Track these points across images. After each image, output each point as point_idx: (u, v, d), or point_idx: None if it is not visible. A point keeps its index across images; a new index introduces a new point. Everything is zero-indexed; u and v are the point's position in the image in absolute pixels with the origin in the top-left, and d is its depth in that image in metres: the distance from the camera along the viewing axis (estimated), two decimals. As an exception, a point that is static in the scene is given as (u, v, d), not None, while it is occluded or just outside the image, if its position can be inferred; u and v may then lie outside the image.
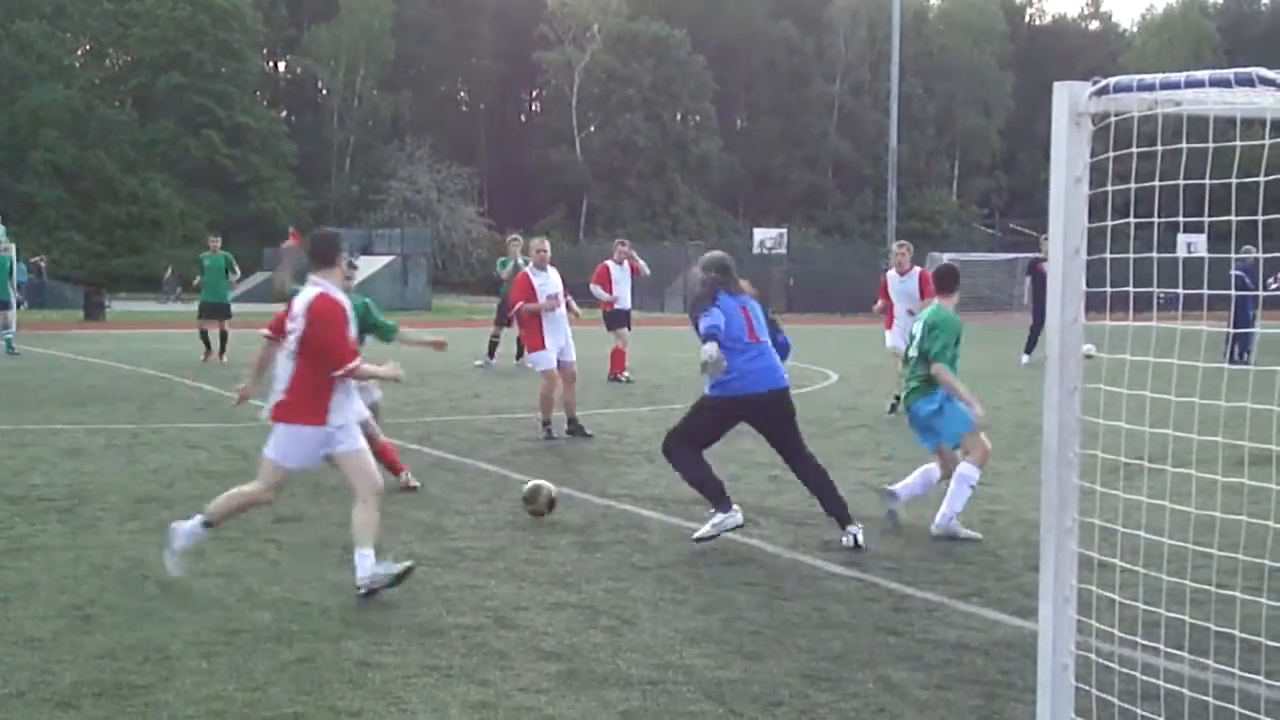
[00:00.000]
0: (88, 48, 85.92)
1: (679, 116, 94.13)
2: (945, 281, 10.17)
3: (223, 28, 79.35)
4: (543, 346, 14.79)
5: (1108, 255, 4.57)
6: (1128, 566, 4.96)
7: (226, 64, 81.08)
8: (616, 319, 21.87)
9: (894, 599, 7.75)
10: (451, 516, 10.04)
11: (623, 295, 21.86)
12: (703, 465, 9.27)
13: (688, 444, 9.34)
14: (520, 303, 14.96)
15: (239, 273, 25.63)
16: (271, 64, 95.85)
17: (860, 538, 9.03)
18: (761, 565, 8.60)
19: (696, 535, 9.10)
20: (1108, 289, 4.57)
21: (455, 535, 9.34)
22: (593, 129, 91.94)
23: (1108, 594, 5.02)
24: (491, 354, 24.17)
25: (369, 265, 56.94)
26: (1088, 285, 4.46)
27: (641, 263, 22.33)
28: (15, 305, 28.74)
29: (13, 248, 36.76)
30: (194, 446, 13.62)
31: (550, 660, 6.42)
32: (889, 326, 17.99)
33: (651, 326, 37.87)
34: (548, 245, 15.88)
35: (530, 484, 10.17)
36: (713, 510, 9.14)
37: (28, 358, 25.80)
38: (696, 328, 9.11)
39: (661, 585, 7.98)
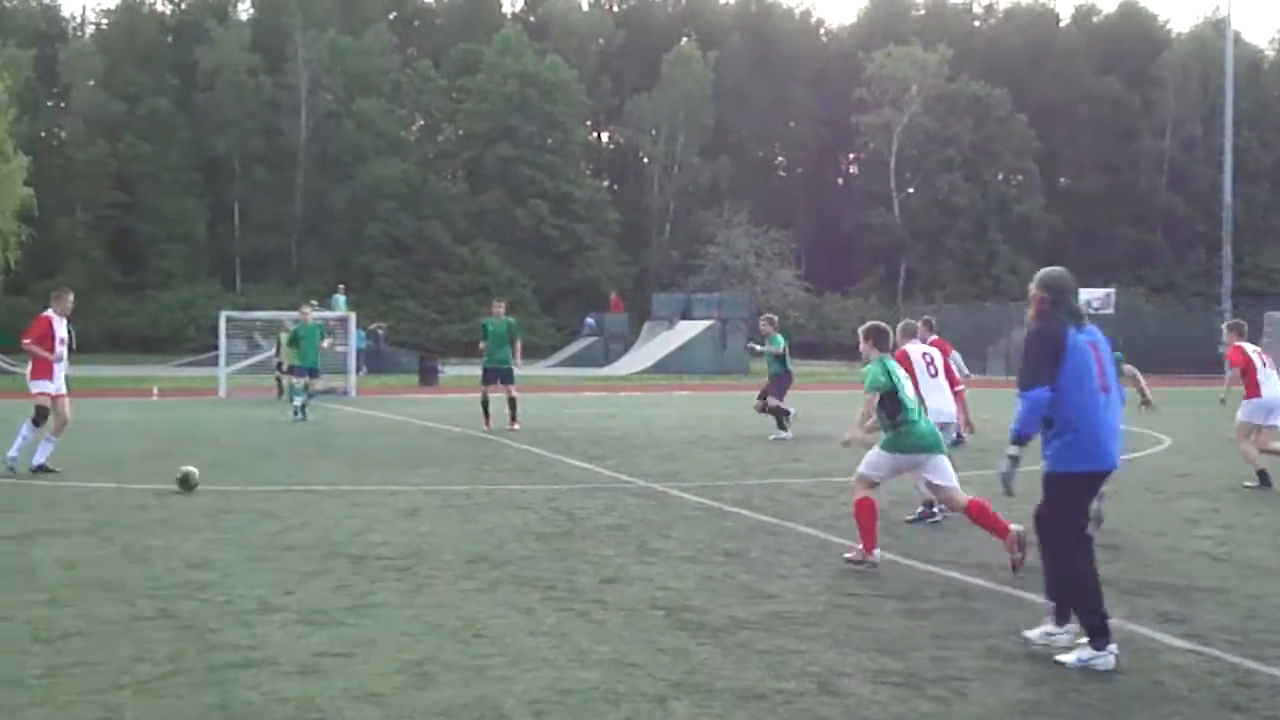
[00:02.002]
0: (422, 123, 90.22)
1: (1000, 176, 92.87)
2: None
3: (549, 101, 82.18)
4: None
5: None
6: None
7: (553, 135, 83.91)
8: None
9: (1237, 674, 7.35)
10: (774, 580, 10.00)
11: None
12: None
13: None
14: None
15: (517, 340, 25.70)
16: (595, 134, 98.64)
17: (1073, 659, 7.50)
18: (1095, 637, 8.27)
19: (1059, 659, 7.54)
20: None
21: (778, 599, 9.29)
22: (911, 190, 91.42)
23: None
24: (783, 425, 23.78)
25: (688, 329, 57.79)
26: None
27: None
28: (352, 371, 30.03)
29: (352, 316, 38.83)
30: (522, 508, 13.95)
31: (876, 729, 6.32)
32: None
33: (974, 389, 37.05)
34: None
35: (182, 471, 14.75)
36: (1084, 640, 7.56)
37: (367, 420, 27.03)
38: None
39: (990, 654, 7.77)
